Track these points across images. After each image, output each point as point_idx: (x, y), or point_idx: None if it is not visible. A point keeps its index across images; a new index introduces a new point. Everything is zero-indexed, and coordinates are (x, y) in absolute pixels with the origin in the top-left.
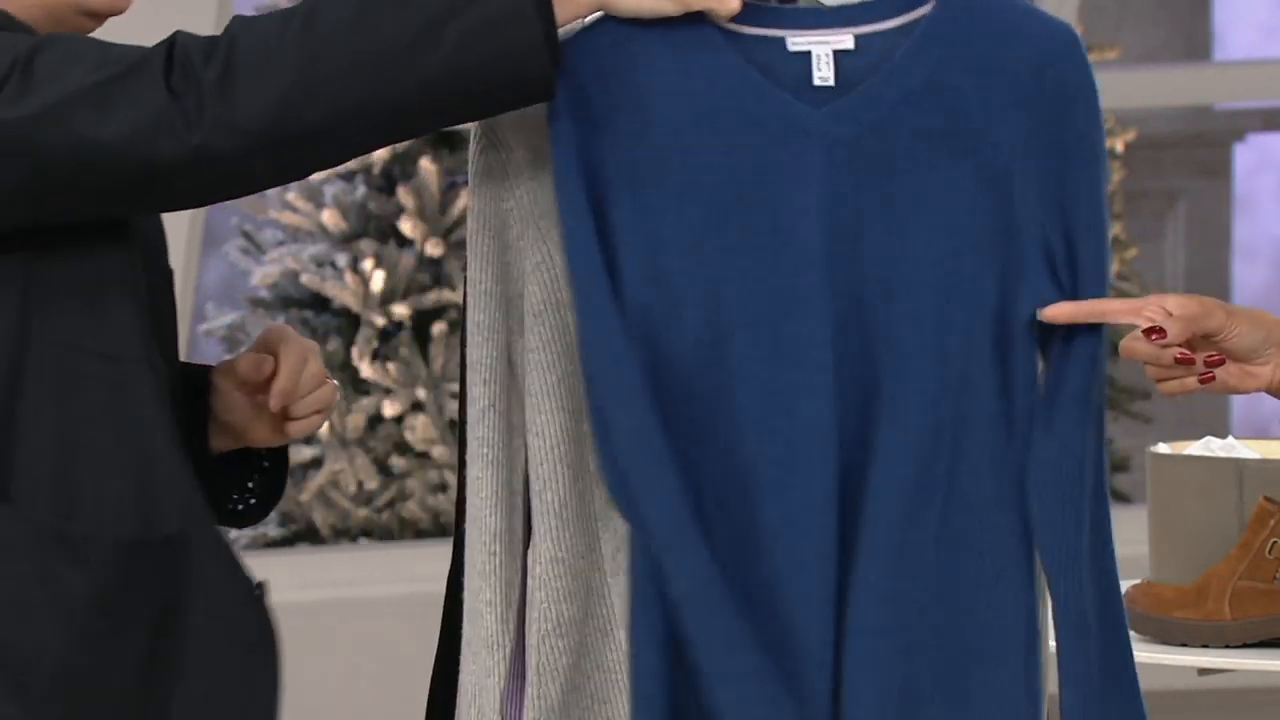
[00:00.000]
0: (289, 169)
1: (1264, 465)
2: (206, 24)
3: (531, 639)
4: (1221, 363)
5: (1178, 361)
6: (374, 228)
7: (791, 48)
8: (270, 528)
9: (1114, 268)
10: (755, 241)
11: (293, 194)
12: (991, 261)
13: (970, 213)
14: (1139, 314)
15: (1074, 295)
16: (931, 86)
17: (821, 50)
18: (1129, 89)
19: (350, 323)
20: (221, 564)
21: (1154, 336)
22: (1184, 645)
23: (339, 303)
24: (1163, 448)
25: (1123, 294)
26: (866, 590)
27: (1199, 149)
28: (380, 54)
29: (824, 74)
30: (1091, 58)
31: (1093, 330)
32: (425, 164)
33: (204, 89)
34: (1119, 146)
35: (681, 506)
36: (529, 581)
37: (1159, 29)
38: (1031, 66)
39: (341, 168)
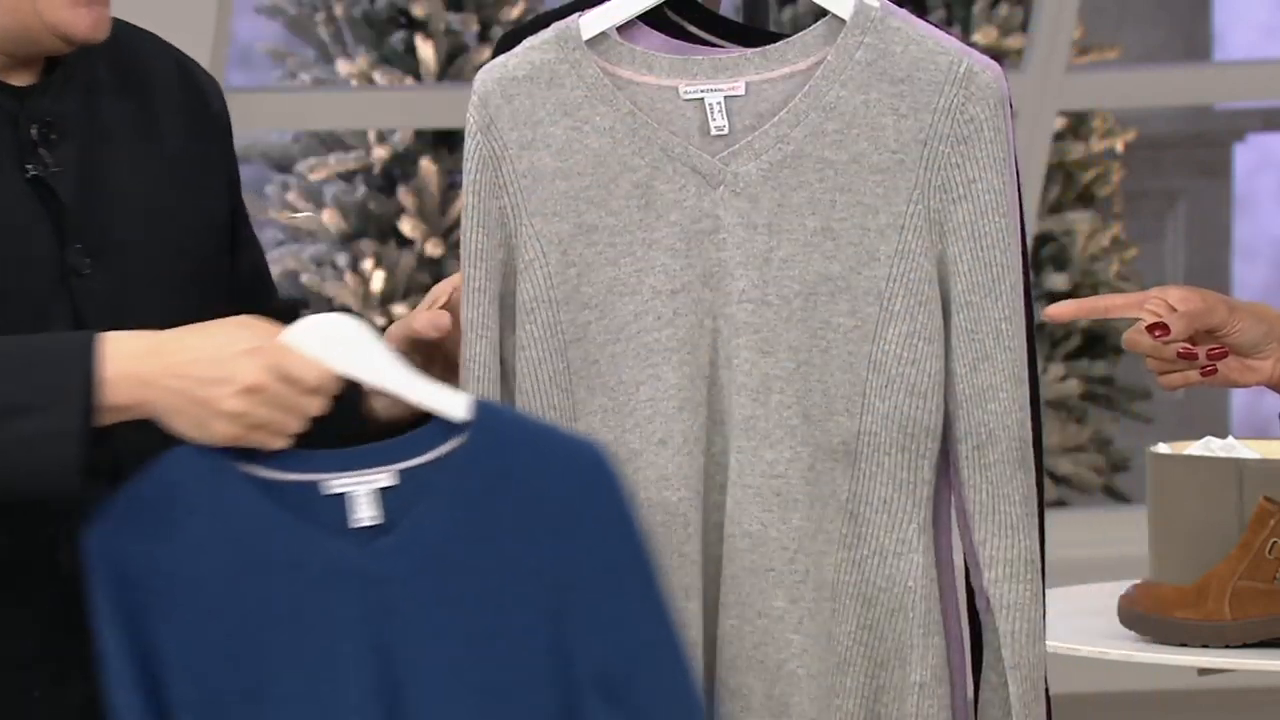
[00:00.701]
0: None
1: (1264, 465)
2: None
3: None
4: (1224, 355)
5: (1180, 356)
6: (374, 228)
7: (327, 491)
8: None
9: (1114, 268)
10: (304, 696)
11: (293, 194)
12: (545, 696)
13: (520, 649)
14: (1141, 308)
15: (636, 717)
16: (473, 520)
17: (360, 489)
18: (1129, 89)
19: None
20: (20, 641)
21: (1157, 333)
22: (1184, 645)
23: (339, 303)
24: (1163, 448)
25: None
26: None
27: (1199, 149)
28: None
29: (360, 515)
30: (1091, 58)
31: None
32: (425, 164)
33: None
34: (1119, 147)
35: None
36: None
37: (1159, 29)
38: (565, 491)
39: (341, 167)
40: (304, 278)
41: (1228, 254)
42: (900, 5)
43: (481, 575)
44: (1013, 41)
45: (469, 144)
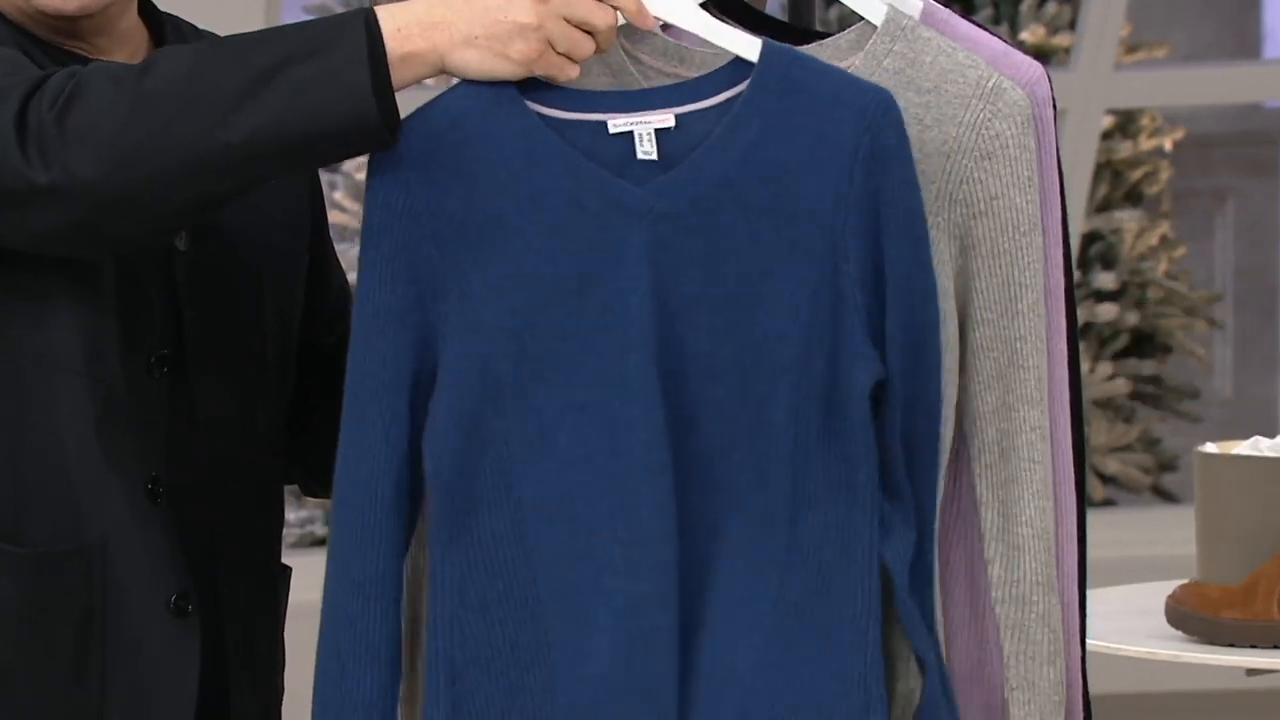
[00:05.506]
0: (137, 220)
1: None
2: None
3: None
4: None
5: None
6: None
7: (613, 129)
8: (318, 526)
9: (1162, 267)
10: (581, 323)
11: (339, 193)
12: (818, 334)
13: (795, 285)
14: None
15: (885, 363)
16: (752, 160)
17: (643, 129)
18: (1177, 87)
19: None
20: (143, 571)
21: None
22: (1231, 645)
23: None
24: (1210, 447)
25: (1171, 293)
26: (710, 679)
27: (1248, 147)
28: (208, 106)
29: (646, 149)
30: (1139, 56)
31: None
32: None
33: (45, 130)
34: (1167, 145)
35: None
36: None
37: (1208, 27)
38: (848, 135)
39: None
40: (352, 276)
41: (1276, 252)
42: (946, 5)
43: (758, 215)
44: (1060, 40)
45: None
